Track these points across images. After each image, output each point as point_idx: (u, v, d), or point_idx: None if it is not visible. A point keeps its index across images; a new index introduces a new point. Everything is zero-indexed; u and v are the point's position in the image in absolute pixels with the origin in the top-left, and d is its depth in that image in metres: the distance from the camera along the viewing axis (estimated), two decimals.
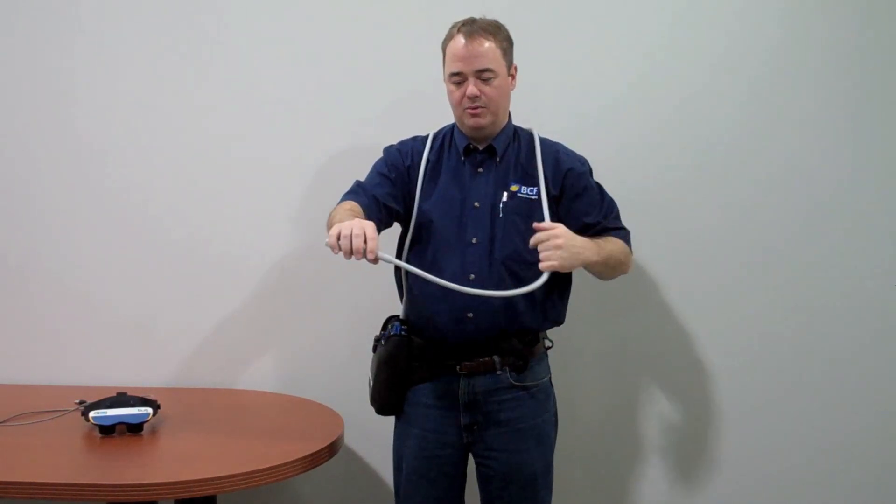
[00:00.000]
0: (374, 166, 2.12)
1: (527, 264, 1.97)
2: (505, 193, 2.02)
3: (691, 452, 2.49)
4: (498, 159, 2.05)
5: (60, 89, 2.58)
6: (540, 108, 2.31)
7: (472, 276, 1.98)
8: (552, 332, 2.13)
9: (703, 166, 2.41)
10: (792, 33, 2.35)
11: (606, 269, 2.04)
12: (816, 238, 2.39)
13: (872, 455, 2.43)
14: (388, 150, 2.15)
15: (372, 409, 2.10)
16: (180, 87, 2.54)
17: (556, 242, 1.85)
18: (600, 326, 2.49)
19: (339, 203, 2.02)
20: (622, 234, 2.09)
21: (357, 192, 2.04)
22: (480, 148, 2.06)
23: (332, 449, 2.13)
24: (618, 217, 2.11)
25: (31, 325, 2.65)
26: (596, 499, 2.54)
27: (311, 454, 2.05)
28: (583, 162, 2.10)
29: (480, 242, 2.00)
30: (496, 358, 2.01)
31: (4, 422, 2.24)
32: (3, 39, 2.58)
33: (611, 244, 2.02)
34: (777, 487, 2.47)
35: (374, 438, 2.35)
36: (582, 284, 2.42)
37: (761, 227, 2.41)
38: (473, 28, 1.97)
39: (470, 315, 1.99)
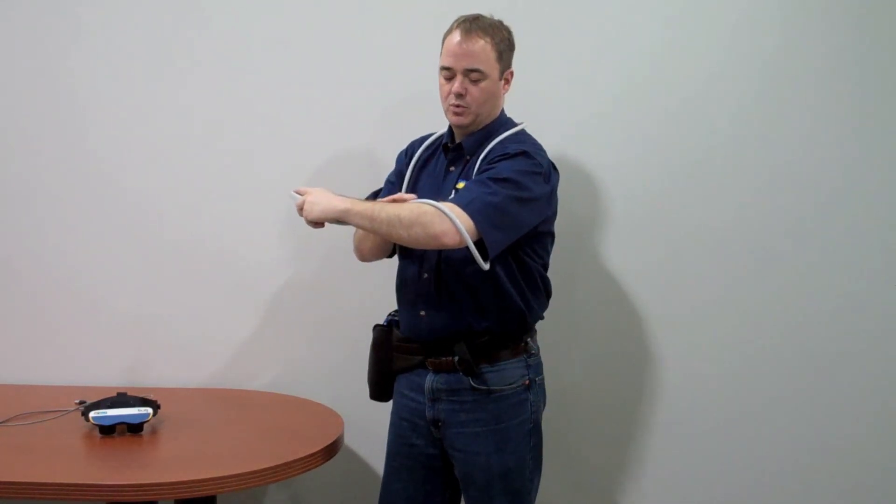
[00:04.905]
0: (389, 174, 2.19)
1: (465, 262, 1.91)
2: (453, 192, 1.99)
3: (686, 453, 2.48)
4: (467, 157, 2.03)
5: (60, 89, 2.58)
6: (539, 111, 2.30)
7: (426, 275, 2.00)
8: (546, 334, 2.13)
9: (702, 169, 2.40)
10: (791, 36, 2.34)
11: (374, 224, 1.85)
12: (815, 241, 2.38)
13: (871, 458, 2.42)
14: (398, 155, 2.20)
15: (372, 410, 2.16)
16: (179, 90, 2.54)
17: (307, 198, 1.93)
18: (594, 328, 2.48)
19: None
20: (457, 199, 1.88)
21: None
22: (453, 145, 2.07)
23: (332, 449, 2.13)
24: (481, 188, 1.88)
25: (31, 325, 2.64)
26: (589, 498, 2.54)
27: (311, 454, 2.05)
28: (515, 149, 1.94)
29: None
30: (455, 359, 2.00)
31: (4, 422, 2.24)
32: (6, 42, 2.58)
33: (397, 205, 1.88)
34: (772, 488, 2.46)
35: (374, 438, 2.34)
36: (579, 284, 2.43)
37: (759, 230, 2.40)
38: (472, 25, 1.94)
39: (422, 313, 2.01)
